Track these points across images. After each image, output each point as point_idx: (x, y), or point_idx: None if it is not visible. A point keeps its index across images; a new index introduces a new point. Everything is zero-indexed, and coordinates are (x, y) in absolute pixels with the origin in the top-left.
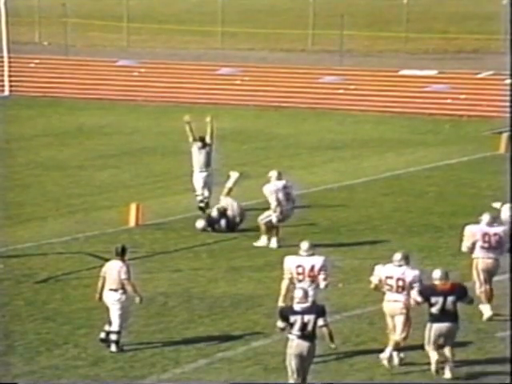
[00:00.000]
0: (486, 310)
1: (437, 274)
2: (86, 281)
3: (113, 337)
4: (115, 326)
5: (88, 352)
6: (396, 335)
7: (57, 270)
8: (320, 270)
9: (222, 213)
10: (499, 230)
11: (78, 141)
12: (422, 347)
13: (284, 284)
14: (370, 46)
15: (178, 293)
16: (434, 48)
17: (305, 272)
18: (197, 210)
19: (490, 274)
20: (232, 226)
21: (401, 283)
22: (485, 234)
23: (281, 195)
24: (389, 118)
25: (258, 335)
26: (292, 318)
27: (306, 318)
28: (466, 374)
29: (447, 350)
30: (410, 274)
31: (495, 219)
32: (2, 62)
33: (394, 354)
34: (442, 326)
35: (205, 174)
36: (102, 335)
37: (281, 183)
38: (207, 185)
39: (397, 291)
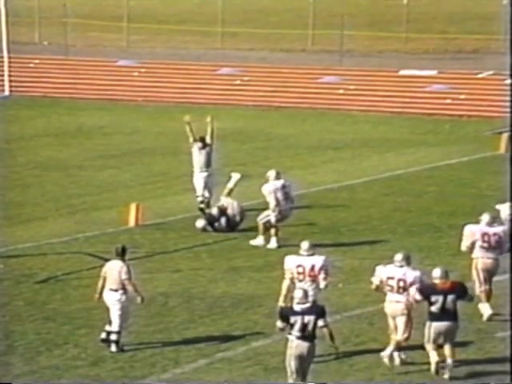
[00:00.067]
0: (486, 309)
1: (437, 272)
2: (85, 281)
3: (113, 337)
4: (115, 326)
5: (88, 352)
6: (398, 336)
7: (57, 269)
8: (320, 269)
9: (223, 211)
10: (499, 229)
11: (78, 141)
12: (422, 347)
13: (285, 284)
14: (370, 45)
15: (178, 293)
16: (433, 48)
17: (305, 272)
18: (197, 210)
19: (489, 273)
20: (232, 225)
21: (402, 284)
22: (484, 234)
23: (279, 195)
24: (389, 118)
25: (258, 335)
26: (292, 319)
27: (306, 318)
28: (466, 373)
29: (447, 349)
30: (411, 274)
31: (495, 219)
32: (2, 62)
33: (396, 354)
34: (442, 325)
35: (205, 174)
36: (103, 335)
37: (279, 183)
38: (208, 185)
39: (398, 292)
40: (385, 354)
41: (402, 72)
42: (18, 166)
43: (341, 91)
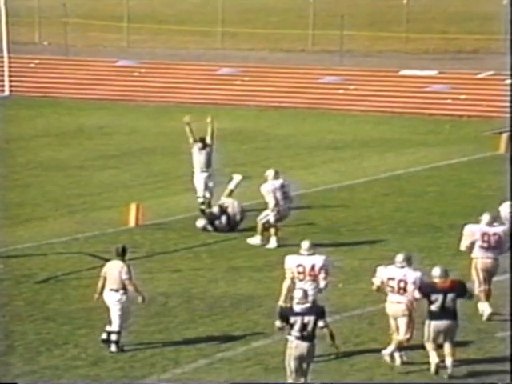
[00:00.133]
0: (486, 308)
1: (436, 271)
2: (85, 281)
3: (113, 337)
4: (115, 326)
5: (88, 352)
6: (400, 336)
7: (57, 270)
8: (321, 269)
9: (223, 210)
10: (499, 229)
11: (78, 141)
12: (422, 347)
13: (285, 284)
14: (370, 46)
15: (178, 293)
16: (434, 48)
17: (305, 271)
18: (197, 210)
19: (489, 273)
20: (232, 224)
21: (402, 285)
22: (484, 234)
23: (278, 194)
24: (389, 118)
25: (258, 335)
26: (292, 319)
27: (306, 319)
28: (466, 373)
29: (447, 348)
30: (411, 275)
31: (495, 219)
32: (2, 62)
33: (397, 354)
34: (441, 324)
35: (205, 174)
36: (104, 336)
37: (278, 182)
38: (208, 186)
39: (398, 293)
40: (386, 352)
41: (402, 72)
42: (18, 166)
43: (341, 91)
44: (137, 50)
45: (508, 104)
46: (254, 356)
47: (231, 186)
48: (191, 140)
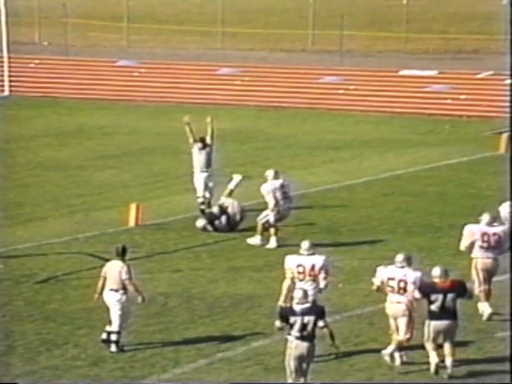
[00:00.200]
0: (486, 308)
1: (436, 271)
2: (85, 281)
3: (113, 337)
4: (115, 326)
5: (88, 352)
6: (400, 336)
7: (57, 270)
8: (321, 269)
9: (223, 210)
10: (499, 229)
11: (78, 141)
12: (422, 347)
13: (285, 284)
14: (370, 46)
15: (178, 293)
16: (433, 48)
17: (305, 271)
18: (197, 210)
19: (489, 273)
20: (232, 224)
21: (402, 285)
22: (484, 234)
23: (278, 194)
24: (389, 118)
25: (258, 335)
26: (292, 319)
27: (306, 319)
28: (466, 373)
29: (447, 348)
30: (411, 275)
31: (495, 219)
32: (2, 62)
33: (397, 354)
34: (441, 324)
35: (205, 174)
36: (104, 336)
37: (278, 182)
38: (208, 186)
39: (398, 293)
40: (386, 352)
41: (402, 72)
42: (18, 166)
43: (341, 91)
44: (137, 50)
45: (508, 104)
46: (254, 356)
47: (231, 186)
48: (191, 140)
